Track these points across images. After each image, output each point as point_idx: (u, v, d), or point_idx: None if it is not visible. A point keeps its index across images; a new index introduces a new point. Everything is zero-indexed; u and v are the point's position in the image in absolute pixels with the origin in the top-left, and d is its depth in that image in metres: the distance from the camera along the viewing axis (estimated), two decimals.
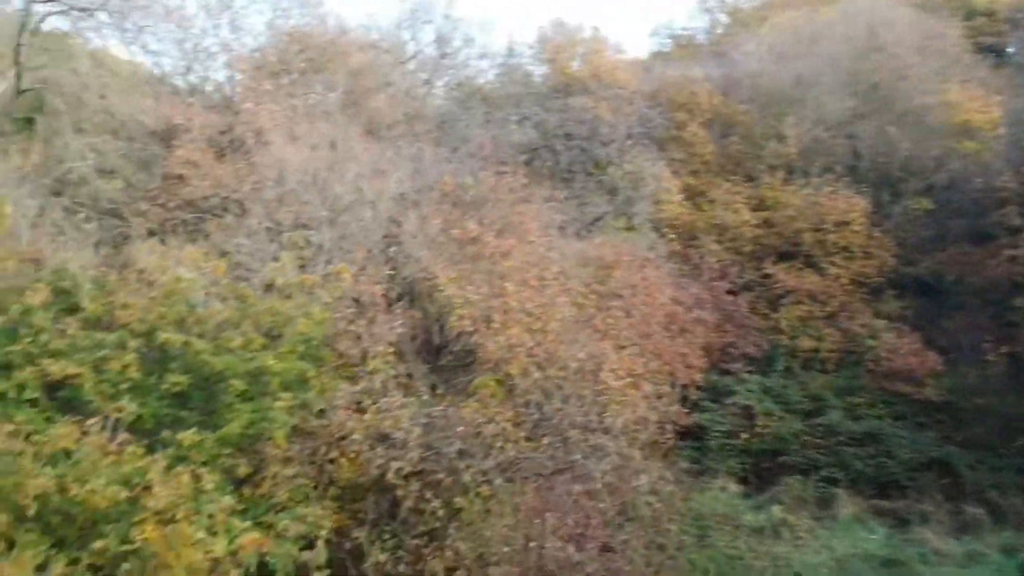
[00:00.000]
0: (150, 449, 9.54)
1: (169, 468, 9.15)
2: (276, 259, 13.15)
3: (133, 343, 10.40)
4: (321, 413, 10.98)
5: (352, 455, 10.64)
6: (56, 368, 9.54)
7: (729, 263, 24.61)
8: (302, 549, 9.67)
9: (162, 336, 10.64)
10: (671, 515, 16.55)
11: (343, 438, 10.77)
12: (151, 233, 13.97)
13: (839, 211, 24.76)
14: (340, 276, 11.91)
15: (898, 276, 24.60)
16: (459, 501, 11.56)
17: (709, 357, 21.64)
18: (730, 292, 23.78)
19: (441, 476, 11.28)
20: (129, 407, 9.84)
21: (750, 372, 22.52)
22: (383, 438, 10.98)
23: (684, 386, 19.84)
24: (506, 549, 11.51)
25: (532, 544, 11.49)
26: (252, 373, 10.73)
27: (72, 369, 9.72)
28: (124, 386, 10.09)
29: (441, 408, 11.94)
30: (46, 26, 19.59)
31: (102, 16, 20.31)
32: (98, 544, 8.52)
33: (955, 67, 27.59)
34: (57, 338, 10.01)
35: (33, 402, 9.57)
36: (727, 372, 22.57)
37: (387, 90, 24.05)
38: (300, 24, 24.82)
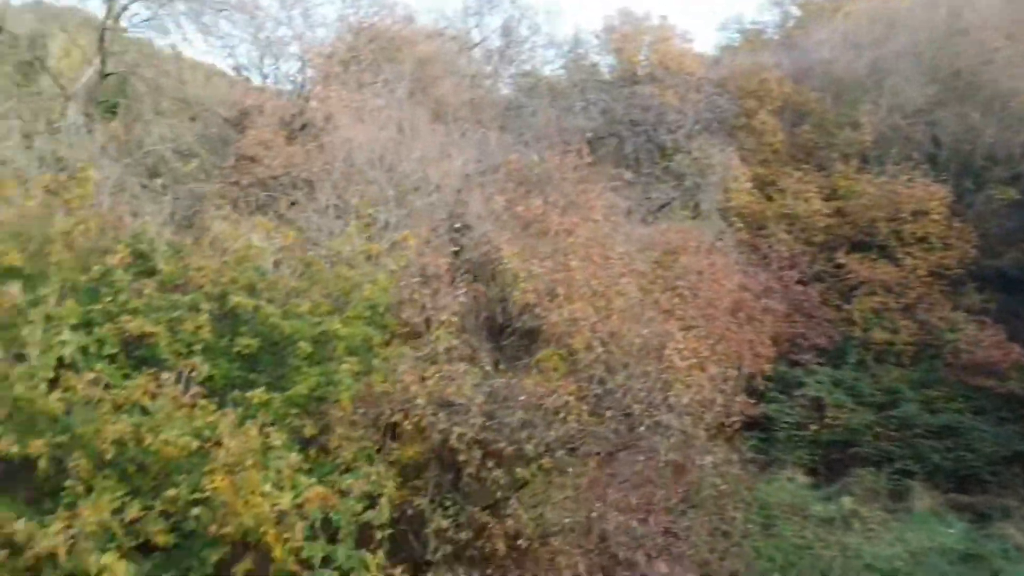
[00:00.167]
0: (220, 407, 9.78)
1: (239, 424, 9.36)
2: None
3: (206, 306, 10.65)
4: (385, 378, 11.07)
5: (415, 419, 10.70)
6: (133, 325, 9.83)
7: (799, 253, 24.05)
8: (365, 509, 9.75)
9: (233, 300, 10.87)
10: (736, 503, 16.24)
11: (406, 403, 10.84)
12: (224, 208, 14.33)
13: (917, 200, 23.93)
14: (405, 244, 12.00)
15: (980, 268, 23.62)
16: (521, 472, 11.51)
17: (777, 347, 21.17)
18: (800, 282, 23.24)
19: (503, 445, 11.24)
20: (201, 367, 10.10)
21: (820, 364, 21.97)
22: (446, 405, 11.01)
23: (751, 375, 19.45)
24: (567, 520, 11.41)
25: (594, 515, 11.34)
26: (319, 337, 10.89)
27: (148, 327, 10.00)
28: (197, 347, 10.33)
29: (503, 379, 11.94)
30: (128, 16, 20.42)
31: (180, 6, 21.08)
32: (170, 492, 8.73)
33: None
34: (134, 298, 10.32)
35: (112, 358, 9.88)
36: (796, 363, 22.06)
37: (453, 78, 24.28)
38: (369, 14, 25.27)
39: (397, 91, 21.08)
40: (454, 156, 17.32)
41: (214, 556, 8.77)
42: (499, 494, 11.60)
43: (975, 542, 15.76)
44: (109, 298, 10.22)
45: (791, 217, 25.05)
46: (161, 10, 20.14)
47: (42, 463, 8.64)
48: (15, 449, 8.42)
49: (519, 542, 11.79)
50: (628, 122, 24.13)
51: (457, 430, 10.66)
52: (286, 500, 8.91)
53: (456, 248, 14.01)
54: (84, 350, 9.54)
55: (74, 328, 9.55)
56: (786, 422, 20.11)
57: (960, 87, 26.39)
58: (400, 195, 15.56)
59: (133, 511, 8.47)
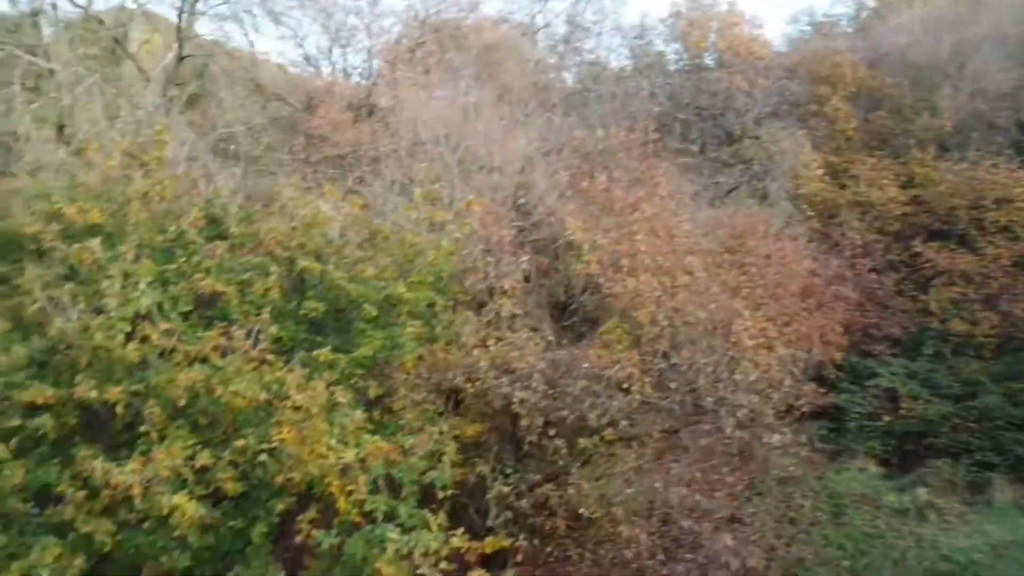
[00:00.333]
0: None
1: (306, 381, 9.51)
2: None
3: (274, 268, 10.88)
4: (448, 343, 11.12)
5: (477, 382, 10.71)
6: (205, 283, 10.10)
7: (873, 241, 23.25)
8: (427, 469, 9.78)
9: (301, 264, 11.08)
10: (804, 491, 15.82)
11: (469, 368, 10.86)
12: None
13: (1001, 187, 22.81)
14: (469, 210, 12.03)
15: None
16: (583, 442, 11.42)
17: (849, 337, 20.48)
18: (874, 271, 22.46)
19: (565, 414, 11.18)
20: (269, 329, 10.30)
21: (894, 355, 21.18)
22: (508, 371, 11.00)
23: (820, 363, 18.87)
24: (629, 491, 11.26)
25: (657, 486, 11.16)
26: (383, 302, 11.00)
27: (220, 287, 10.26)
28: (265, 309, 10.54)
29: (566, 351, 11.87)
30: (204, 3, 21.07)
31: None
32: (239, 443, 8.94)
33: None
34: (207, 259, 10.61)
35: (185, 315, 10.17)
36: (868, 354, 21.31)
37: (518, 64, 24.31)
38: (436, 2, 25.49)
39: (462, 75, 21.24)
40: (518, 137, 17.32)
41: (280, 506, 8.95)
42: (560, 464, 11.54)
43: None
44: (183, 258, 10.52)
45: (864, 205, 24.19)
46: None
47: (119, 410, 8.94)
48: (94, 394, 8.74)
49: (580, 516, 11.76)
50: (694, 107, 23.74)
51: (519, 395, 10.62)
52: (350, 455, 9.00)
53: (520, 222, 13.98)
54: (159, 306, 9.84)
55: (150, 286, 9.86)
56: (857, 412, 19.41)
57: None
58: (464, 172, 15.62)
59: (203, 458, 8.68)
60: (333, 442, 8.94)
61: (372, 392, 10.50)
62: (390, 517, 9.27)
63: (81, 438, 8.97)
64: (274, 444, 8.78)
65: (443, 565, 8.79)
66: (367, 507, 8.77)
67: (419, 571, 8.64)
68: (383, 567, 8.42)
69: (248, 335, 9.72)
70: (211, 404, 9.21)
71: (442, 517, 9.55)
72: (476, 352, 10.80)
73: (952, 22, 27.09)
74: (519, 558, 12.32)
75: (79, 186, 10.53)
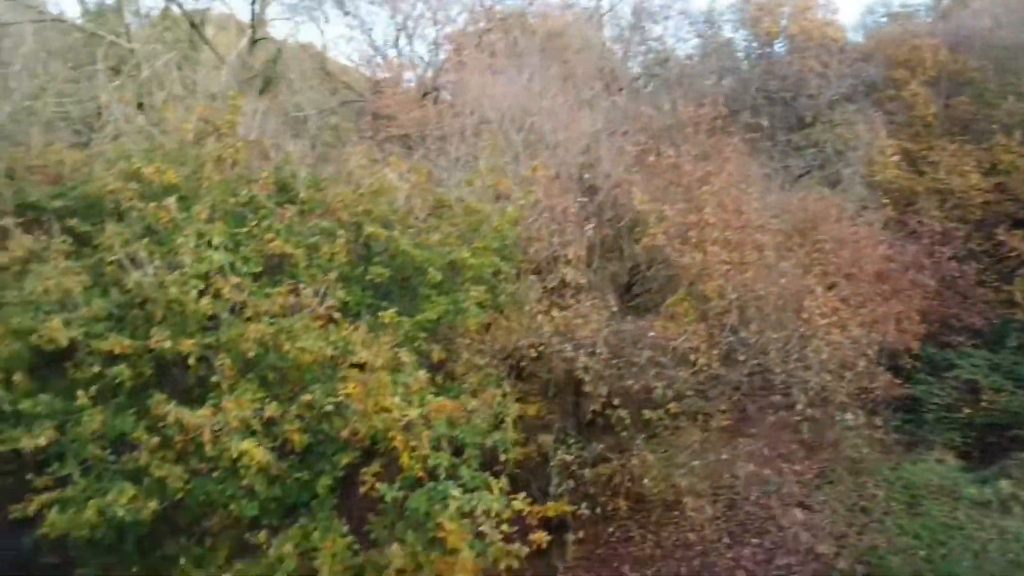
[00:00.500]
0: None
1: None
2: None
3: (342, 233, 11.02)
4: (512, 309, 11.08)
5: (540, 348, 10.64)
6: (275, 244, 10.30)
7: (952, 229, 22.30)
8: (490, 431, 9.75)
9: (368, 230, 11.20)
10: (877, 480, 15.31)
11: (532, 333, 10.79)
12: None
13: None
14: (534, 176, 11.96)
15: None
16: (647, 414, 11.24)
17: (927, 327, 19.69)
18: (953, 259, 21.54)
19: (630, 383, 11.02)
20: (336, 292, 10.44)
21: (975, 346, 20.25)
22: (571, 337, 10.89)
23: (895, 351, 18.19)
24: (696, 463, 11.02)
25: (724, 458, 10.88)
26: (448, 267, 11.04)
27: (289, 249, 10.44)
28: (332, 273, 10.67)
29: (631, 320, 11.70)
30: None
31: None
32: (306, 397, 9.07)
33: None
34: (277, 222, 10.80)
35: (255, 276, 10.38)
36: (947, 345, 20.43)
37: (583, 49, 24.15)
38: None
39: (527, 60, 21.22)
40: (583, 117, 17.19)
41: (345, 460, 9.03)
42: (624, 435, 11.37)
43: None
44: (254, 222, 10.73)
45: (944, 192, 23.21)
46: None
47: (192, 362, 9.17)
48: (168, 345, 8.98)
49: (643, 498, 11.58)
50: (764, 92, 23.21)
51: (583, 360, 10.51)
52: (414, 412, 9.03)
53: (585, 196, 13.84)
54: (231, 266, 10.06)
55: (222, 246, 10.10)
56: (935, 403, 18.59)
57: None
58: (529, 150, 15.57)
59: (271, 410, 8.83)
60: (397, 400, 9.00)
61: (435, 356, 10.52)
62: (452, 477, 9.29)
63: (156, 389, 9.21)
64: (339, 398, 8.88)
65: (504, 528, 8.76)
66: (430, 463, 8.76)
67: (480, 529, 8.61)
68: (445, 523, 8.42)
69: (315, 294, 9.87)
70: (279, 359, 9.38)
71: (504, 481, 9.50)
72: (539, 318, 10.73)
73: None
74: (580, 534, 12.24)
75: (157, 148, 10.88)
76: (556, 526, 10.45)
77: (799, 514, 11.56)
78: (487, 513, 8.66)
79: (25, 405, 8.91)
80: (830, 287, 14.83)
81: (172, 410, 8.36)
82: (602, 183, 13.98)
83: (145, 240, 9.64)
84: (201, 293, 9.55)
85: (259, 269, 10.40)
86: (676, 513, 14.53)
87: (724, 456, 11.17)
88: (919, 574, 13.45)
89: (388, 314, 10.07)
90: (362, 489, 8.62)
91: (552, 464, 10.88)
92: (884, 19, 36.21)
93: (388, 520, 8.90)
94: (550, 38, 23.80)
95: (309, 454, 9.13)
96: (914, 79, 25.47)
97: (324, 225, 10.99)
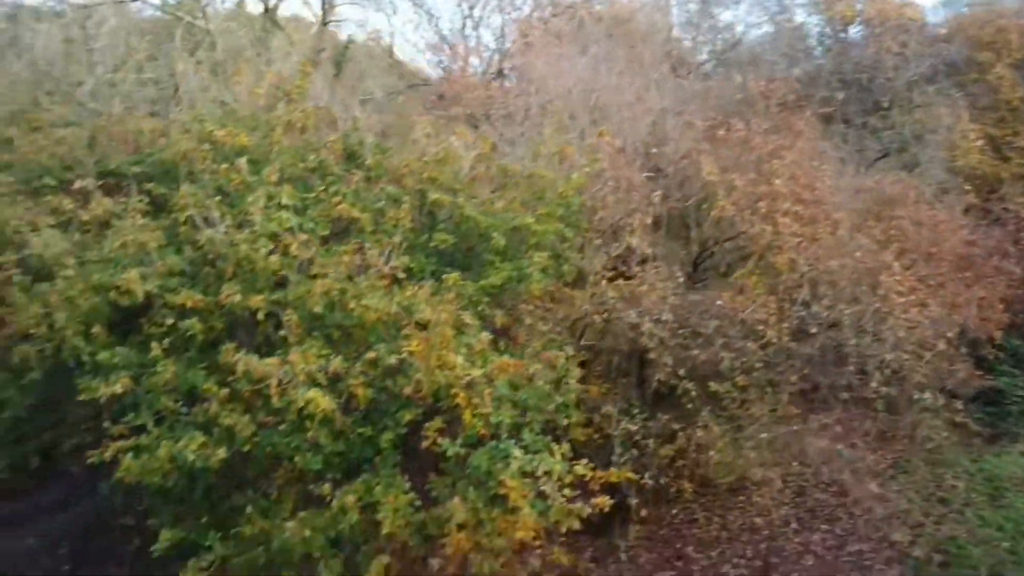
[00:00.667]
0: None
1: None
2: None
3: (407, 199, 11.09)
4: (576, 276, 10.97)
5: (604, 314, 10.49)
6: (342, 208, 10.42)
7: None
8: (552, 392, 9.65)
9: (432, 196, 11.24)
10: (956, 472, 14.64)
11: (597, 299, 10.66)
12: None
13: None
14: (599, 143, 11.82)
15: None
16: (714, 385, 10.98)
17: (1011, 316, 18.77)
18: None
19: (696, 353, 10.78)
20: (401, 258, 10.50)
21: None
22: (637, 304, 10.72)
23: (976, 340, 17.39)
24: (764, 436, 10.70)
25: (794, 429, 10.54)
26: (512, 233, 11.00)
27: (356, 213, 10.56)
28: (397, 237, 10.73)
29: (698, 291, 11.46)
30: None
31: None
32: (370, 355, 9.13)
33: None
34: (344, 187, 10.94)
35: (324, 240, 10.52)
36: None
37: (650, 34, 23.86)
38: None
39: (594, 44, 21.07)
40: (650, 96, 16.96)
41: (408, 416, 9.05)
42: (690, 407, 11.13)
43: None
44: (322, 187, 10.89)
45: None
46: None
47: (260, 317, 9.34)
48: (238, 299, 9.16)
49: (709, 481, 11.29)
50: (838, 73, 22.52)
51: (648, 326, 10.31)
52: (477, 372, 8.99)
53: (651, 169, 13.63)
54: (300, 226, 10.22)
55: (291, 208, 10.27)
56: (1019, 395, 17.76)
57: None
58: (594, 124, 15.42)
59: (336, 364, 8.91)
60: (460, 360, 8.98)
61: (499, 321, 10.50)
62: (514, 439, 9.22)
63: (226, 344, 9.40)
64: (403, 355, 8.91)
65: (566, 492, 8.65)
66: (492, 420, 8.71)
67: (542, 488, 8.52)
68: (507, 480, 8.35)
69: (381, 255, 9.95)
70: (344, 318, 9.47)
71: (566, 447, 9.38)
72: (604, 284, 10.58)
73: None
74: (644, 512, 12.01)
75: (230, 113, 11.15)
76: (617, 506, 10.26)
77: (875, 487, 11.07)
78: (548, 474, 8.55)
79: (103, 356, 9.20)
80: (908, 266, 14.26)
81: (241, 358, 8.52)
82: (670, 157, 13.74)
83: (217, 199, 9.87)
84: (270, 253, 9.72)
85: (326, 232, 10.53)
86: (742, 498, 14.23)
87: (795, 428, 10.80)
88: (1001, 565, 12.84)
89: (452, 276, 10.08)
90: (424, 444, 8.62)
91: (616, 433, 10.69)
92: (964, 9, 34.87)
93: (450, 479, 8.88)
94: (617, 24, 23.58)
95: (373, 411, 9.19)
96: (999, 62, 24.34)
97: (390, 191, 11.08)
